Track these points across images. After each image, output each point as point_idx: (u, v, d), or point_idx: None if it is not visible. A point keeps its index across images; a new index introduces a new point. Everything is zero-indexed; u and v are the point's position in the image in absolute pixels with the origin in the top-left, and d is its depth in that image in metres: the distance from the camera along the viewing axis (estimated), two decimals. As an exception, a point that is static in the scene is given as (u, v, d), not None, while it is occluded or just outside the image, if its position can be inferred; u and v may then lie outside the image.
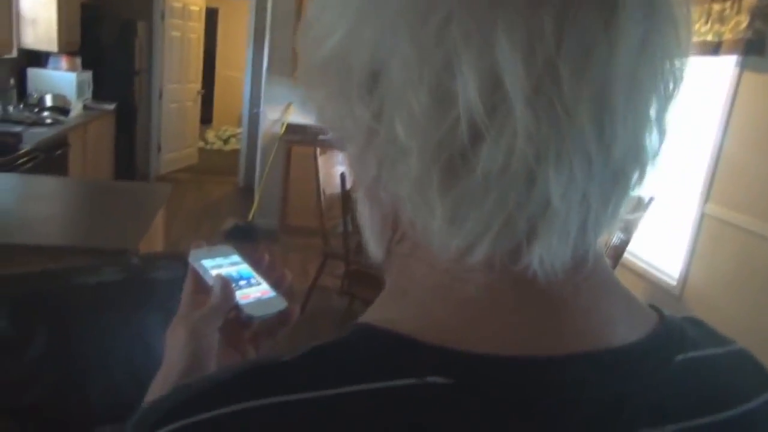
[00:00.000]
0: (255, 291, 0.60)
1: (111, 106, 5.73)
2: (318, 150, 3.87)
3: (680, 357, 0.38)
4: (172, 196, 3.07)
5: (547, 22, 0.30)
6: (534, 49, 0.30)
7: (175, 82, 6.88)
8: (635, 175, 0.35)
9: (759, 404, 0.40)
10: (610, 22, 0.31)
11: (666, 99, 0.34)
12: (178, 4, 6.64)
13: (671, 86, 0.34)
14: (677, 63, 0.34)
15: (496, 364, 0.33)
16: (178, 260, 2.20)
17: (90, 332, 1.91)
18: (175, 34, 6.70)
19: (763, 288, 3.34)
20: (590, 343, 0.35)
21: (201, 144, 8.45)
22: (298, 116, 5.52)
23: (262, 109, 5.81)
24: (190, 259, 0.61)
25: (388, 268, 0.43)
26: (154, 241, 2.87)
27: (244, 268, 0.62)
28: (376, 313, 0.39)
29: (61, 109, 4.82)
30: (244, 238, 5.19)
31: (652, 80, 0.33)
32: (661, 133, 0.34)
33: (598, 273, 0.37)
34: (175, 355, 0.54)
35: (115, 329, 1.94)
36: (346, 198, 3.10)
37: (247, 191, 6.67)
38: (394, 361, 0.34)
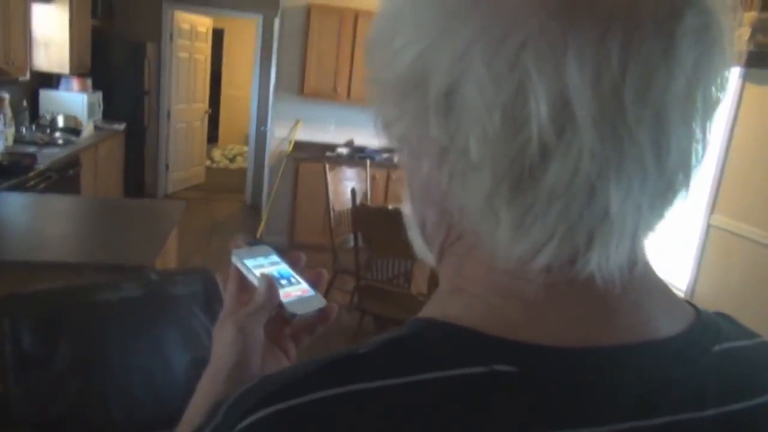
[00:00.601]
0: (296, 290, 0.62)
1: (121, 126, 5.82)
2: (327, 166, 3.91)
3: (717, 348, 0.41)
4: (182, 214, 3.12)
5: (614, 51, 0.33)
6: (601, 76, 0.33)
7: (183, 103, 6.97)
8: (682, 185, 0.38)
9: None
10: (668, 51, 0.33)
11: (711, 108, 0.37)
12: (186, 26, 6.75)
13: (716, 96, 0.37)
14: (723, 75, 0.37)
15: (556, 353, 0.37)
16: (196, 275, 2.23)
17: (112, 348, 1.94)
18: (183, 55, 6.80)
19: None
20: (639, 335, 0.39)
21: (208, 163, 8.52)
22: (305, 133, 5.58)
23: (269, 126, 5.88)
24: (233, 259, 0.62)
25: (442, 268, 0.46)
26: (168, 258, 2.90)
27: (284, 267, 0.64)
28: (436, 310, 0.41)
29: (72, 129, 4.90)
30: (253, 255, 5.21)
31: (702, 96, 0.36)
32: (705, 140, 0.37)
33: (644, 273, 0.41)
34: (224, 351, 0.57)
35: (135, 344, 1.97)
36: (356, 213, 3.13)
37: (255, 209, 6.72)
38: (463, 351, 0.37)
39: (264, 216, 5.65)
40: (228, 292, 0.61)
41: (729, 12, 0.36)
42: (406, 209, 0.48)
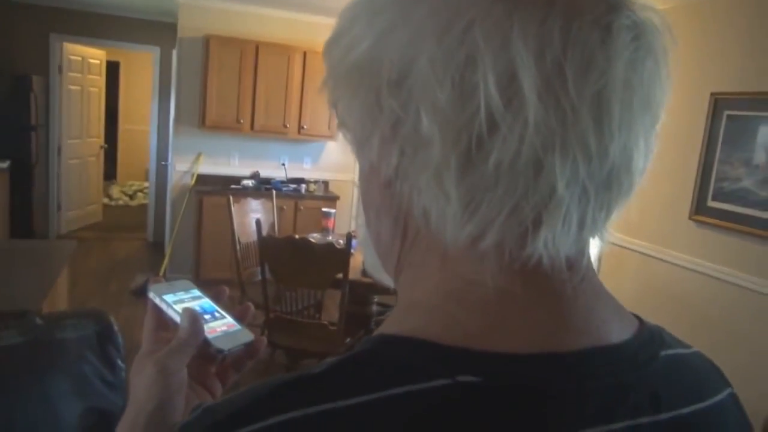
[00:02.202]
0: (221, 324, 0.59)
1: (4, 164, 5.42)
2: (231, 198, 3.81)
3: (663, 353, 0.42)
4: (77, 255, 2.92)
5: (555, 31, 0.35)
6: (544, 52, 0.35)
7: (76, 138, 6.60)
8: (625, 185, 0.39)
9: (725, 397, 0.45)
10: (606, 40, 0.36)
11: (651, 122, 0.39)
12: (76, 57, 6.44)
13: (655, 112, 0.39)
14: (659, 94, 0.39)
15: (518, 361, 0.36)
16: (87, 318, 2.08)
17: (-11, 402, 1.76)
18: (75, 87, 6.47)
19: (662, 304, 3.58)
20: (593, 339, 0.39)
21: (105, 200, 8.10)
22: (208, 166, 5.44)
23: (170, 160, 5.68)
24: (151, 295, 0.59)
25: (400, 285, 0.45)
26: (58, 301, 2.70)
27: (206, 301, 0.61)
28: (393, 326, 0.40)
29: (-53, 168, 4.51)
30: (156, 295, 4.97)
31: (640, 100, 0.38)
32: (648, 151, 0.39)
33: (591, 278, 0.41)
34: (143, 394, 0.53)
35: (18, 397, 1.79)
36: (263, 244, 3.06)
37: (157, 246, 6.43)
38: (424, 365, 0.36)
39: (167, 253, 5.41)
40: (145, 330, 0.58)
41: (660, 30, 0.39)
42: (361, 231, 0.48)
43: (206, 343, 0.56)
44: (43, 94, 5.99)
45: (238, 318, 0.61)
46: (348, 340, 3.18)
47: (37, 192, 6.06)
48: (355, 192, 6.00)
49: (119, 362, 2.09)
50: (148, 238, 6.84)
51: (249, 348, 0.59)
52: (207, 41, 5.10)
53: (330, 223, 4.05)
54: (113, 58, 8.05)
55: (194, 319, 0.55)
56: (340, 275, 2.97)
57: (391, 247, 0.45)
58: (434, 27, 0.37)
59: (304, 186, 5.54)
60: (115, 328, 2.11)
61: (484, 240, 0.37)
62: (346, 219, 5.89)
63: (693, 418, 0.41)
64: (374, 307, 3.66)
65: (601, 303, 0.42)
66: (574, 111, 0.35)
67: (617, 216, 0.41)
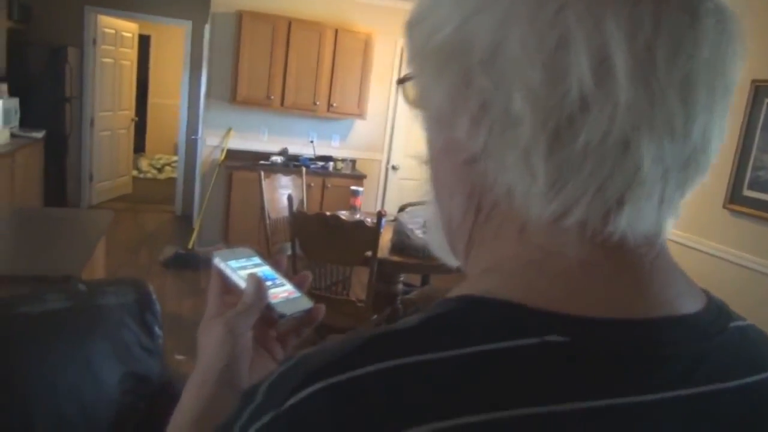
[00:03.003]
0: (282, 291, 0.61)
1: (40, 134, 5.52)
2: (262, 174, 3.84)
3: (731, 325, 0.44)
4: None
5: (646, 15, 0.36)
6: (636, 34, 0.36)
7: (108, 110, 6.70)
8: (702, 165, 0.40)
9: None
10: (693, 24, 0.37)
11: (728, 104, 0.40)
12: (110, 30, 6.50)
13: (731, 95, 0.40)
14: (735, 78, 0.40)
15: (603, 324, 0.38)
16: (127, 285, 2.14)
17: (35, 364, 1.82)
18: (108, 60, 6.55)
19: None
20: (669, 309, 0.40)
21: (134, 173, 8.22)
22: (238, 142, 5.48)
23: (200, 135, 5.73)
24: (216, 261, 0.61)
25: (470, 261, 0.46)
26: (96, 270, 2.77)
27: (267, 269, 0.63)
28: (468, 288, 0.41)
29: (-14, 137, 4.61)
30: (185, 266, 5.06)
31: (721, 83, 0.39)
32: (722, 132, 0.40)
33: (665, 253, 0.42)
34: (213, 353, 0.56)
35: (61, 359, 1.86)
36: (294, 220, 3.09)
37: (185, 219, 6.53)
38: (513, 324, 0.37)
39: (196, 226, 5.49)
40: (211, 294, 0.60)
41: (738, 18, 0.40)
42: (430, 212, 0.50)
43: (269, 307, 0.59)
44: (77, 66, 6.08)
45: (298, 286, 0.63)
46: (374, 317, 3.22)
47: (70, 163, 6.18)
48: (382, 171, 6.01)
49: (157, 329, 2.15)
50: (177, 211, 6.94)
51: (308, 314, 0.61)
52: (240, 16, 5.11)
53: (358, 202, 4.07)
54: (144, 32, 8.11)
55: (259, 284, 0.58)
56: (369, 253, 3.00)
57: (462, 224, 0.46)
58: (526, 8, 0.37)
59: (331, 164, 5.56)
60: (154, 296, 2.17)
61: (569, 217, 0.38)
62: (372, 198, 5.91)
63: (757, 386, 0.42)
64: (400, 286, 3.68)
65: (675, 276, 0.43)
66: (663, 92, 0.36)
67: (690, 195, 0.42)
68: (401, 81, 0.50)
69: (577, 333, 0.37)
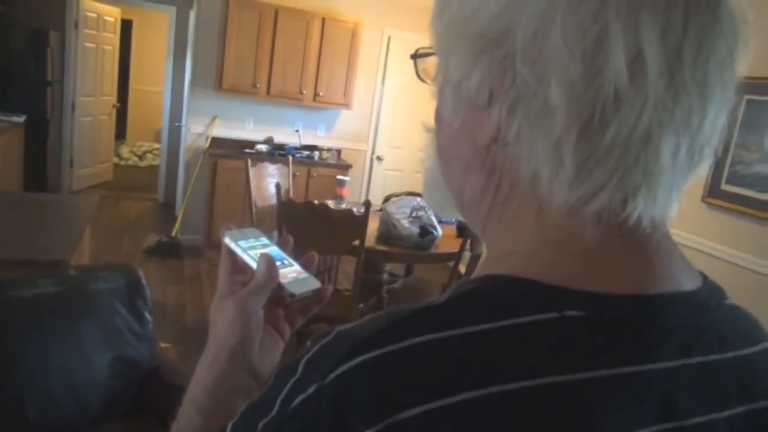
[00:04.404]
0: (291, 271, 0.62)
1: (20, 119, 5.43)
2: (249, 162, 3.84)
3: (726, 302, 0.47)
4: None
5: (677, 14, 0.38)
6: (668, 32, 0.38)
7: (89, 95, 6.60)
8: (705, 156, 0.43)
9: None
10: (714, 25, 0.40)
11: (731, 99, 0.42)
12: (92, 14, 6.40)
13: (735, 91, 0.42)
14: (739, 73, 0.42)
15: (616, 300, 0.41)
16: (118, 270, 2.14)
17: (27, 346, 1.83)
18: (90, 45, 6.45)
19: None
20: (673, 285, 0.43)
21: (115, 159, 8.12)
22: (222, 129, 5.45)
23: (184, 122, 5.69)
24: (226, 240, 0.62)
25: (488, 233, 0.49)
26: (82, 256, 2.76)
27: (275, 249, 0.64)
28: (494, 269, 0.44)
29: (-35, 120, 4.53)
30: (168, 254, 5.04)
31: (731, 81, 0.42)
32: (722, 129, 0.43)
33: (667, 234, 0.46)
34: (225, 331, 0.57)
35: (53, 342, 1.86)
36: (282, 208, 3.10)
37: (168, 207, 6.48)
38: (534, 300, 0.40)
39: (180, 214, 5.46)
40: (222, 273, 0.61)
41: (745, 23, 0.42)
42: (429, 174, 0.53)
43: (280, 287, 0.60)
44: (58, 49, 5.98)
45: (305, 266, 0.64)
46: (361, 305, 3.25)
47: (51, 148, 6.09)
48: (367, 162, 6.02)
49: (146, 315, 2.16)
50: (159, 198, 6.89)
51: (316, 294, 0.63)
52: (226, 3, 5.06)
53: (344, 191, 4.09)
54: (126, 17, 7.99)
55: (271, 264, 0.59)
56: (356, 242, 3.03)
57: (481, 201, 0.48)
58: (568, 2, 0.39)
59: (317, 153, 5.56)
60: (144, 282, 2.17)
61: (592, 205, 0.41)
62: (357, 188, 5.92)
63: (753, 357, 0.46)
64: (385, 276, 3.72)
65: (676, 255, 0.46)
66: (686, 90, 0.39)
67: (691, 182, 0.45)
68: (419, 55, 0.52)
69: (593, 307, 0.40)
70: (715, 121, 0.42)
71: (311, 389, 0.38)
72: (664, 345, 0.41)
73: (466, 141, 0.47)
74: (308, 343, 0.42)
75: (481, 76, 0.43)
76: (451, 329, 0.38)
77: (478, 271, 0.47)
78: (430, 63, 0.49)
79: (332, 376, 0.38)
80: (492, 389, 0.36)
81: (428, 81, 0.50)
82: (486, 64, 0.43)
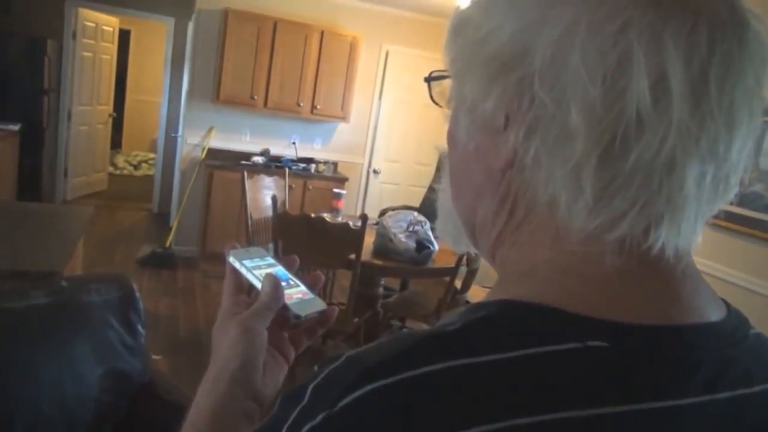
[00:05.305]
0: (296, 292, 0.61)
1: (16, 127, 5.41)
2: (246, 174, 3.82)
3: (751, 332, 0.45)
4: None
5: (702, 39, 0.37)
6: (692, 58, 0.37)
7: (86, 104, 6.59)
8: (732, 184, 0.41)
9: None
10: (742, 50, 0.38)
11: (759, 127, 0.41)
12: (90, 24, 6.40)
13: (759, 125, 0.41)
14: (766, 103, 0.41)
15: (640, 330, 0.39)
16: (111, 282, 2.11)
17: (17, 358, 1.79)
18: (87, 54, 6.44)
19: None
20: (699, 317, 0.42)
21: (111, 169, 8.09)
22: (219, 141, 5.44)
23: (180, 133, 5.68)
24: (230, 259, 0.61)
25: (499, 258, 0.47)
26: (75, 266, 2.73)
27: (280, 269, 0.63)
28: (511, 293, 0.42)
29: (-40, 128, 4.50)
30: (162, 265, 5.00)
31: (758, 108, 0.40)
32: (751, 152, 0.42)
33: (692, 263, 0.44)
34: (228, 352, 0.55)
35: (43, 355, 1.83)
36: (278, 221, 3.08)
37: (162, 218, 6.45)
38: (556, 329, 0.38)
39: (174, 225, 5.43)
40: (226, 292, 0.60)
41: None
42: (442, 199, 0.52)
43: (285, 308, 0.58)
44: (56, 58, 5.97)
45: (310, 287, 0.63)
46: (356, 319, 3.22)
47: (46, 156, 6.06)
48: (364, 175, 6.01)
49: (139, 327, 2.13)
50: (153, 209, 6.85)
51: (322, 316, 0.61)
52: (225, 14, 5.08)
53: (340, 204, 4.07)
54: (124, 27, 8.00)
55: (276, 284, 0.58)
56: (352, 256, 3.01)
57: (492, 225, 0.47)
58: (589, 23, 0.38)
59: (313, 166, 5.56)
60: (137, 294, 2.14)
61: (612, 232, 0.39)
62: (353, 201, 5.91)
63: None
64: (381, 290, 3.70)
65: (701, 285, 0.44)
66: (712, 117, 0.38)
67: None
68: (433, 78, 0.51)
69: (616, 338, 0.38)
70: (742, 150, 0.40)
71: (319, 418, 0.36)
72: (691, 379, 0.39)
73: (481, 165, 0.46)
74: (315, 368, 0.40)
75: (496, 99, 0.42)
76: (468, 357, 0.37)
77: (491, 293, 0.45)
78: (445, 86, 0.48)
79: (342, 404, 0.36)
80: (510, 422, 0.35)
81: (442, 104, 0.49)
82: (502, 86, 0.42)
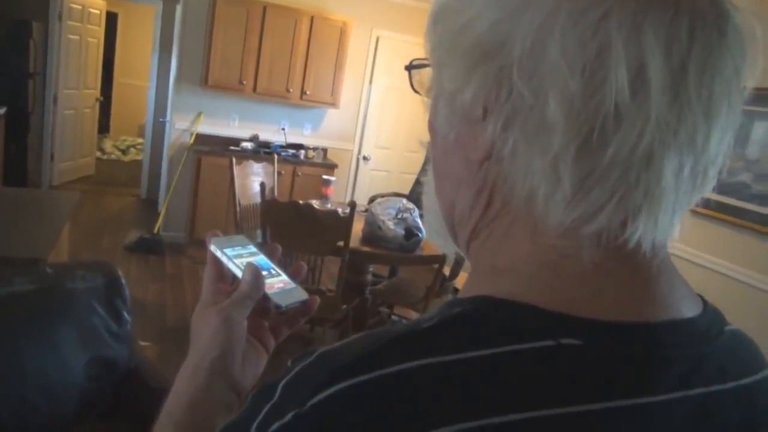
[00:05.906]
0: (278, 281, 0.60)
1: (1, 111, 5.33)
2: (234, 160, 3.80)
3: (726, 329, 0.45)
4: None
5: (683, 29, 0.37)
6: (671, 49, 0.36)
7: (72, 88, 6.50)
8: (710, 177, 0.41)
9: None
10: (722, 41, 0.38)
11: (738, 119, 0.41)
12: (77, 6, 6.30)
13: (738, 108, 0.41)
14: (746, 92, 0.41)
15: (614, 327, 0.39)
16: (96, 269, 2.10)
17: (1, 347, 1.78)
18: (74, 37, 6.35)
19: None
20: (674, 313, 0.42)
21: (98, 154, 8.01)
22: (207, 126, 5.40)
23: (168, 118, 5.62)
24: (212, 248, 0.60)
25: (474, 250, 0.47)
26: (60, 252, 2.71)
27: (262, 258, 0.62)
28: (485, 288, 0.41)
29: (-57, 111, 4.44)
30: (150, 251, 4.98)
31: (737, 101, 0.40)
32: (730, 144, 0.41)
33: (668, 258, 0.44)
34: (207, 342, 0.55)
35: (28, 342, 1.82)
36: (266, 207, 3.07)
37: (150, 203, 6.41)
38: (530, 326, 0.38)
39: (162, 210, 5.40)
40: (206, 281, 0.59)
41: (753, 38, 0.40)
42: (428, 198, 0.51)
43: (265, 298, 0.58)
44: (42, 41, 5.88)
45: (293, 276, 0.62)
46: (344, 306, 3.23)
47: (32, 141, 5.99)
48: (353, 162, 6.00)
49: (125, 314, 2.12)
50: (141, 194, 6.81)
51: (303, 306, 0.61)
52: (213, -2, 5.01)
53: (329, 191, 4.06)
54: (111, 9, 7.88)
55: (257, 274, 0.57)
56: (340, 243, 3.00)
57: (469, 217, 0.46)
58: (568, 12, 0.37)
59: (302, 152, 5.53)
60: (122, 281, 2.13)
61: (590, 225, 0.39)
62: (343, 187, 5.89)
63: (752, 387, 0.45)
64: (369, 277, 3.70)
65: (677, 281, 0.44)
66: (690, 108, 0.37)
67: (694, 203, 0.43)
68: (413, 66, 0.50)
69: (590, 336, 0.38)
70: (721, 142, 0.40)
71: (288, 416, 0.36)
72: (664, 377, 0.39)
73: (460, 155, 0.45)
74: (288, 363, 0.40)
75: (475, 89, 0.41)
76: (439, 355, 0.36)
77: (466, 288, 0.45)
78: (425, 74, 0.47)
79: (311, 402, 0.35)
80: (482, 422, 0.34)
81: (422, 93, 0.48)
82: (480, 76, 0.41)
